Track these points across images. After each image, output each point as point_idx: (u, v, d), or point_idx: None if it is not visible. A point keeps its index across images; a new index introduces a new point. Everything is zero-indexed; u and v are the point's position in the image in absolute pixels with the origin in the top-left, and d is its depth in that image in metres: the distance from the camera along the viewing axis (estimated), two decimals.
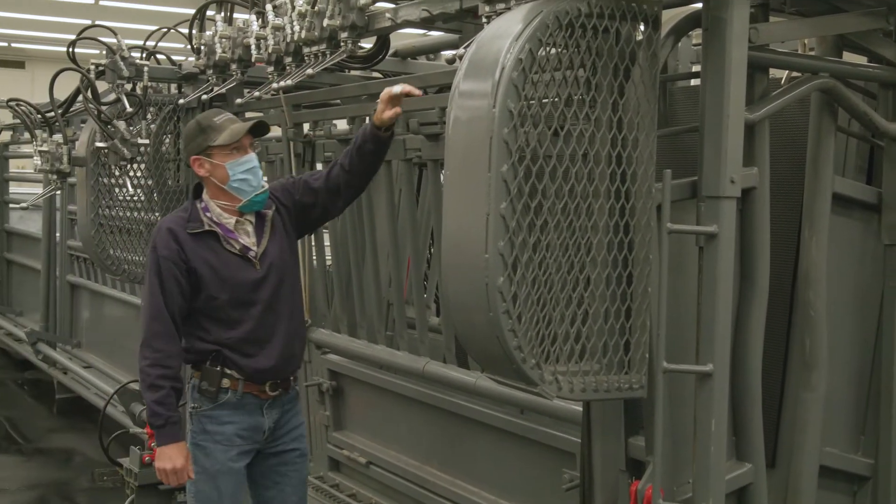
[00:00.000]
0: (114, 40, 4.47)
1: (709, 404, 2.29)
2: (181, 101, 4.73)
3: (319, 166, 4.40)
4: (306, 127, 4.23)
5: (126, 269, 4.82)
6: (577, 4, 2.06)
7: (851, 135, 2.78)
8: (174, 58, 4.80)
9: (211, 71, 4.14)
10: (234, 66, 3.97)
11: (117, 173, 4.66)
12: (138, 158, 4.58)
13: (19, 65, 20.81)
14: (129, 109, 4.40)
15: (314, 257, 4.37)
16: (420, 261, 4.54)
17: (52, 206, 7.58)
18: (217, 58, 3.98)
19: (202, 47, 4.11)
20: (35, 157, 4.52)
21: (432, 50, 4.90)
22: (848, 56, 2.73)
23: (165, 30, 4.68)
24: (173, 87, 4.95)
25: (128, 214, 4.82)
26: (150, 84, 4.55)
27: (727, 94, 2.22)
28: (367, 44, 3.56)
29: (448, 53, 4.63)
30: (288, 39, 3.41)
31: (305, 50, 3.37)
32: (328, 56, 3.30)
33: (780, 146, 2.60)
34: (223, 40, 3.91)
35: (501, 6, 2.26)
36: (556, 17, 2.03)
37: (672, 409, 2.36)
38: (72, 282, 7.49)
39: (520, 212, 2.02)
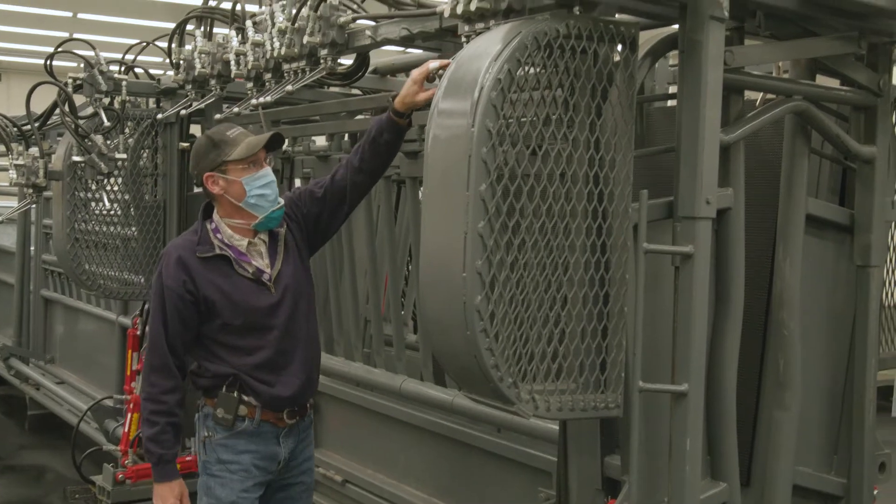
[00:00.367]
0: (92, 54, 4.46)
1: (684, 423, 2.30)
2: (159, 115, 4.72)
3: (298, 182, 4.40)
4: (285, 143, 4.23)
5: (101, 285, 4.79)
6: (555, 25, 2.07)
7: (824, 157, 2.81)
8: (153, 72, 4.80)
9: (190, 86, 4.11)
10: (213, 82, 3.96)
11: (94, 187, 4.64)
12: (115, 173, 4.57)
13: None
14: (106, 123, 4.40)
15: None
16: (398, 278, 4.53)
17: (26, 220, 7.51)
18: (196, 73, 3.96)
19: (181, 62, 4.09)
20: (10, 171, 4.49)
21: (412, 67, 4.91)
22: (821, 79, 2.76)
23: (144, 44, 4.67)
24: (151, 101, 4.95)
25: (104, 229, 4.80)
26: (128, 98, 4.55)
27: (703, 115, 2.25)
28: (347, 60, 3.57)
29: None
30: (268, 56, 3.40)
31: (285, 66, 3.37)
32: (308, 73, 3.29)
33: (754, 167, 2.62)
34: (202, 55, 3.90)
35: (481, 26, 2.27)
36: (534, 37, 2.04)
37: (647, 428, 2.37)
38: (46, 296, 7.41)
39: (498, 230, 2.02)
